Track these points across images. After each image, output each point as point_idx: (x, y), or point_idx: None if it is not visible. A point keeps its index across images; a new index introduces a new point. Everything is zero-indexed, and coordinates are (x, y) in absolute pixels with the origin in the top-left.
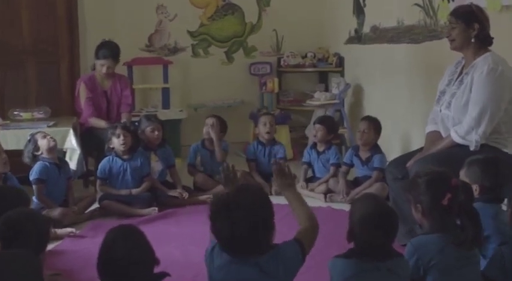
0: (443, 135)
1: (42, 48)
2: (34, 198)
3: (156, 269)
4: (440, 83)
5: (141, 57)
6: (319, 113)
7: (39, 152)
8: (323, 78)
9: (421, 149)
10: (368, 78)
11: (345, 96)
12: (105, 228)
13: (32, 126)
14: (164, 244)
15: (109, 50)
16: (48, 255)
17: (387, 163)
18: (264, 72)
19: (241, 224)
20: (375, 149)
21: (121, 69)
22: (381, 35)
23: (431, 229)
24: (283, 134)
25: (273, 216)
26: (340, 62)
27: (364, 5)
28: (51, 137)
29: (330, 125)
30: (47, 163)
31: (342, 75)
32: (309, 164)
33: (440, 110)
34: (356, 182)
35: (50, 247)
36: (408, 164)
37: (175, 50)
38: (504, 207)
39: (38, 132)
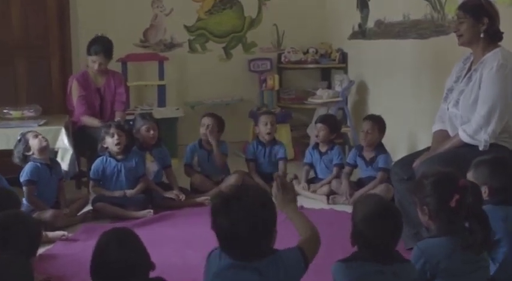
0: (451, 134)
1: (33, 43)
2: (24, 200)
3: (152, 274)
4: (448, 80)
5: (135, 53)
6: (321, 111)
7: (30, 153)
8: (325, 75)
9: (428, 148)
10: (372, 75)
11: (348, 93)
12: (99, 231)
13: (22, 125)
14: (160, 248)
15: (101, 45)
16: (39, 259)
17: (392, 163)
18: (264, 68)
19: (241, 223)
20: (380, 148)
21: (115, 66)
22: (386, 30)
23: (439, 232)
24: (284, 133)
25: (275, 220)
26: (344, 58)
27: None
28: (43, 137)
29: (333, 124)
30: (38, 164)
31: (345, 71)
32: (311, 165)
33: (448, 108)
34: (360, 183)
35: (41, 250)
36: (414, 165)
37: (171, 46)
38: None
39: (29, 131)
